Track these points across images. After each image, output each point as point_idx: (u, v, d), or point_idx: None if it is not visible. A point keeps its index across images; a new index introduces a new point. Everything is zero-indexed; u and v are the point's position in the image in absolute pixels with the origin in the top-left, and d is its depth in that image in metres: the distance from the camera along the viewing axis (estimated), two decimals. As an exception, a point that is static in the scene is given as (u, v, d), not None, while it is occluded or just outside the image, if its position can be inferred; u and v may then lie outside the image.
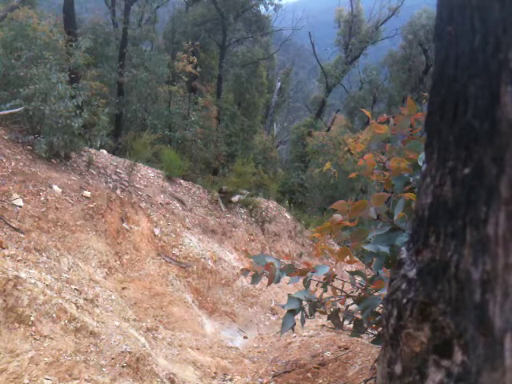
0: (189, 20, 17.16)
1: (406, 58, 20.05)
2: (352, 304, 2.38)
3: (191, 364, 3.99)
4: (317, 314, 2.47)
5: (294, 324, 2.18)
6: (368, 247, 1.77)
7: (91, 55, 9.37)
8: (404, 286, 0.67)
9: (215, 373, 3.99)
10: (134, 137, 10.22)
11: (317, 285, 2.47)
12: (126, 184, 7.03)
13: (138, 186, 7.27)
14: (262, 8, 18.17)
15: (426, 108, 0.72)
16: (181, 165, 8.83)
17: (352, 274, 2.37)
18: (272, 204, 10.10)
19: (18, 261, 3.81)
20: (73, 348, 3.07)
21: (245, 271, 2.42)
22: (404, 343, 0.65)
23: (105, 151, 8.29)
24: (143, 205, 6.76)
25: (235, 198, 8.77)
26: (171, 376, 3.43)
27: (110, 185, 6.71)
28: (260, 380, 3.79)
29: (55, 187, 5.58)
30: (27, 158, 5.82)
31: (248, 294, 6.56)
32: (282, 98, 25.07)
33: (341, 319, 2.45)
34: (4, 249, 3.93)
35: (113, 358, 3.16)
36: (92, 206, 5.77)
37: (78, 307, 3.52)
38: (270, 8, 18.24)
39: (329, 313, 2.43)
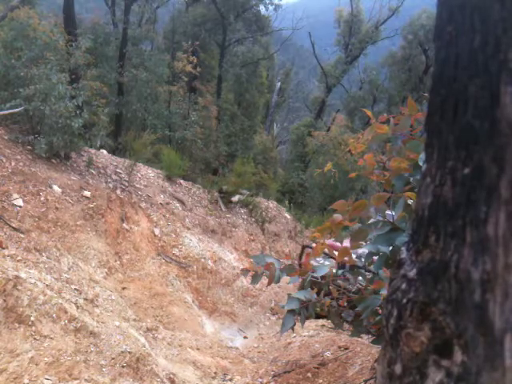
0: (189, 20, 17.16)
1: (406, 58, 20.07)
2: (352, 304, 2.38)
3: (191, 364, 3.99)
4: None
5: (294, 324, 2.18)
6: (368, 247, 1.77)
7: (91, 55, 9.36)
8: (404, 286, 0.67)
9: (215, 373, 3.99)
10: (133, 137, 10.23)
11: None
12: (126, 184, 7.03)
13: (138, 185, 7.27)
14: (262, 8, 18.19)
15: (426, 108, 0.72)
16: (181, 165, 8.83)
17: (352, 274, 2.37)
18: (272, 204, 10.10)
19: (18, 261, 3.81)
20: (73, 348, 3.07)
21: (245, 271, 2.42)
22: (404, 343, 0.65)
23: (105, 151, 8.28)
24: (143, 205, 6.76)
25: (235, 198, 8.77)
26: (171, 376, 3.43)
27: (110, 185, 6.71)
28: (260, 380, 3.79)
29: (55, 187, 5.58)
30: (27, 158, 5.82)
31: (248, 294, 6.55)
32: (282, 98, 25.08)
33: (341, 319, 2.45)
34: (4, 249, 3.92)
35: (113, 358, 3.16)
36: (92, 206, 5.77)
37: (78, 307, 3.52)
38: (270, 8, 18.26)
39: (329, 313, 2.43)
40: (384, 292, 1.74)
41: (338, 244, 1.83)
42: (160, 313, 5.00)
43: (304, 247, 6.14)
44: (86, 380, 2.88)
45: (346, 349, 3.79)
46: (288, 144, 24.02)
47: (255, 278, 2.21)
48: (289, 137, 23.77)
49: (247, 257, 7.48)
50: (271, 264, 2.12)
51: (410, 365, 0.65)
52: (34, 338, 2.98)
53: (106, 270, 5.15)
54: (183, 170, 9.15)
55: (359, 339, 3.81)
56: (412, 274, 0.67)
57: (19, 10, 8.12)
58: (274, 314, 6.47)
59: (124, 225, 6.11)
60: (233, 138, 16.87)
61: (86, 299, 3.90)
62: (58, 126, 6.08)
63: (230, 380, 3.89)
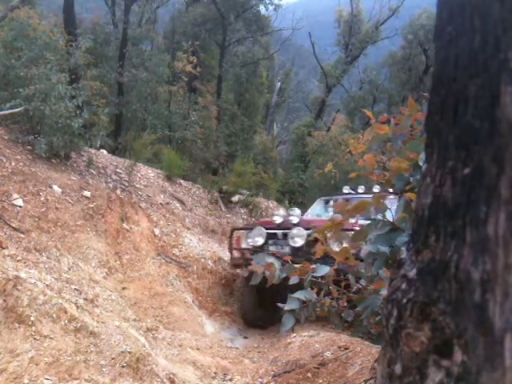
0: (189, 20, 17.16)
1: (406, 58, 20.07)
2: (352, 304, 2.37)
3: (191, 364, 3.99)
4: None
5: (294, 324, 2.18)
6: (368, 247, 1.77)
7: (91, 55, 9.36)
8: (404, 286, 0.68)
9: (215, 373, 3.99)
10: (134, 137, 10.22)
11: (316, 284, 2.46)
12: (126, 184, 7.03)
13: (138, 185, 7.27)
14: (262, 8, 18.18)
15: (426, 108, 0.72)
16: (181, 165, 8.83)
17: (352, 274, 2.37)
18: (272, 204, 10.10)
19: (18, 261, 3.81)
20: (73, 348, 3.07)
21: (245, 271, 2.42)
22: (404, 343, 0.65)
23: (105, 151, 8.28)
24: (143, 205, 6.76)
25: (235, 198, 8.78)
26: (171, 376, 3.43)
27: (110, 185, 6.71)
28: (260, 380, 3.79)
29: (55, 187, 5.58)
30: (27, 158, 5.82)
31: (248, 294, 6.55)
32: (282, 98, 25.07)
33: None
34: (4, 249, 3.92)
35: (113, 358, 3.16)
36: (92, 206, 5.77)
37: (78, 307, 3.52)
38: (270, 8, 18.24)
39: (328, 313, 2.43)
40: (384, 292, 1.74)
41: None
42: (160, 313, 4.99)
43: (233, 230, 6.04)
44: (86, 380, 2.88)
45: (346, 349, 3.79)
46: (288, 144, 24.01)
47: (255, 278, 2.21)
48: (289, 137, 23.77)
49: (247, 257, 7.47)
50: (271, 264, 2.12)
51: (410, 365, 0.65)
52: (34, 338, 2.98)
53: (105, 270, 5.15)
54: (183, 170, 9.15)
55: (359, 339, 3.81)
56: (412, 274, 0.67)
57: (19, 9, 8.12)
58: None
59: (124, 225, 6.11)
60: (233, 138, 16.85)
61: (86, 299, 3.90)
62: (58, 126, 6.08)
63: (230, 380, 3.89)
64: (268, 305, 5.79)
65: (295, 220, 5.34)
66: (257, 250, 5.40)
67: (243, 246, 5.74)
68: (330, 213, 6.43)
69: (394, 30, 20.49)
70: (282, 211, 5.85)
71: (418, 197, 0.70)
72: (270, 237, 5.46)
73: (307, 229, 5.13)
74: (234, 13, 16.77)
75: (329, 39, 22.64)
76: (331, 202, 6.90)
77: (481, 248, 0.58)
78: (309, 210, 7.28)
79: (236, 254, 5.88)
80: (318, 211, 7.04)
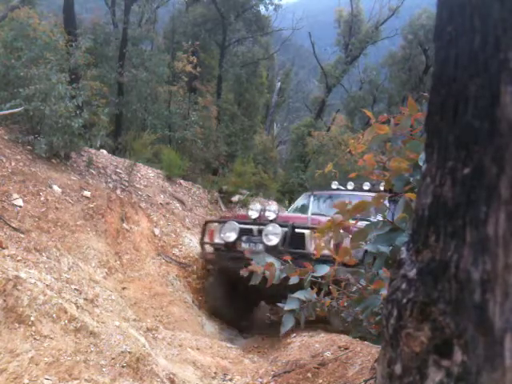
0: (189, 20, 17.15)
1: (406, 58, 20.08)
2: (351, 304, 2.37)
3: (191, 364, 3.99)
4: (317, 313, 2.46)
5: (294, 324, 2.18)
6: (368, 247, 1.77)
7: (91, 55, 9.36)
8: (404, 285, 0.68)
9: (215, 373, 3.99)
10: (133, 137, 10.22)
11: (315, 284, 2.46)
12: (126, 184, 7.03)
13: (138, 185, 7.27)
14: (262, 8, 18.17)
15: (426, 108, 0.72)
16: (181, 165, 8.83)
17: (352, 274, 2.37)
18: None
19: (18, 261, 3.81)
20: (73, 348, 3.07)
21: (244, 271, 2.42)
22: (404, 343, 0.65)
23: (105, 151, 8.28)
24: (143, 205, 6.76)
25: (235, 198, 8.78)
26: (171, 376, 3.43)
27: (110, 185, 6.71)
28: (260, 380, 3.79)
29: (55, 187, 5.58)
30: (27, 158, 5.82)
31: (248, 294, 6.55)
32: (282, 98, 25.06)
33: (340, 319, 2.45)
34: (4, 249, 3.92)
35: (113, 358, 3.16)
36: (92, 206, 5.77)
37: (78, 307, 3.52)
38: (270, 8, 18.24)
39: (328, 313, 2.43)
40: (384, 292, 1.75)
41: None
42: (160, 313, 5.00)
43: (206, 223, 5.65)
44: (86, 380, 2.88)
45: (346, 349, 3.79)
46: (288, 144, 24.01)
47: (255, 278, 2.21)
48: (289, 137, 23.77)
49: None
50: (271, 264, 2.12)
51: (410, 365, 0.65)
52: (34, 338, 2.98)
53: (105, 270, 5.15)
54: (183, 170, 9.15)
55: (359, 339, 3.81)
56: (412, 274, 0.67)
57: (19, 9, 8.12)
58: (273, 314, 6.47)
59: (124, 225, 6.11)
60: (233, 138, 16.85)
61: (86, 299, 3.90)
62: (58, 126, 6.08)
63: (230, 380, 3.89)
64: (240, 301, 5.54)
65: (272, 216, 4.97)
66: (228, 246, 5.00)
67: (216, 240, 5.31)
68: (317, 209, 6.25)
69: (394, 29, 20.50)
70: (258, 205, 5.32)
71: (418, 197, 0.70)
72: (244, 232, 5.06)
73: (283, 226, 4.79)
74: (234, 13, 16.77)
75: (329, 39, 22.64)
76: (311, 198, 6.59)
77: (481, 248, 0.58)
78: (293, 205, 7.12)
79: (208, 248, 5.52)
80: (302, 206, 6.77)
